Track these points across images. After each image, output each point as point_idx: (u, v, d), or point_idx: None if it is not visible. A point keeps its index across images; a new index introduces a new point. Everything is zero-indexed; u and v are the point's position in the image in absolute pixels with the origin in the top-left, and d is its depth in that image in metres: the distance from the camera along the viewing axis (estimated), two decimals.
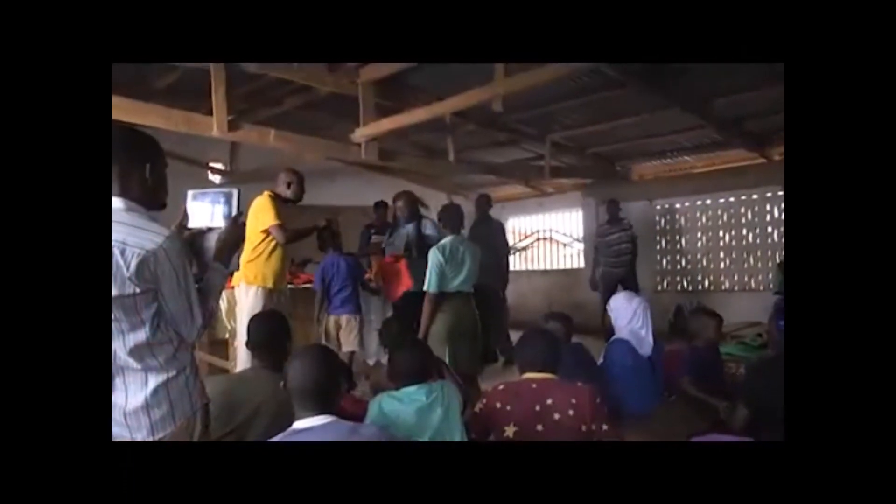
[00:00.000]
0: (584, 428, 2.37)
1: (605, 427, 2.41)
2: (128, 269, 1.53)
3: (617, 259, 7.24)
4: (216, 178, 8.16)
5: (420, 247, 4.96)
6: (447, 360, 3.82)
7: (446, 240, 4.12)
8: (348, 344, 4.92)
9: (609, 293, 6.10)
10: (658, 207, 8.61)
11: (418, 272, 4.86)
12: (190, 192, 1.89)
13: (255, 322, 2.76)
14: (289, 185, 4.20)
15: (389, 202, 7.13)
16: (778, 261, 7.30)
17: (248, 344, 2.69)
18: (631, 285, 6.93)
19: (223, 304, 5.02)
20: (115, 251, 1.53)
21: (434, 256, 4.01)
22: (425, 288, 4.03)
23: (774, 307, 2.96)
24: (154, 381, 1.62)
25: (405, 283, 5.03)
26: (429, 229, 5.04)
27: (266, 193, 4.13)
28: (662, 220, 8.64)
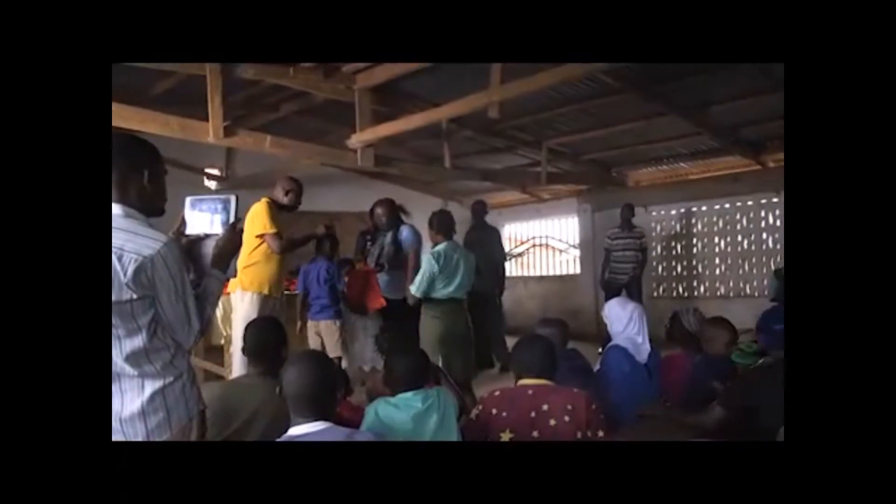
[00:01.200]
0: (579, 434, 2.37)
1: (600, 433, 2.41)
2: (125, 275, 1.53)
3: (621, 266, 7.21)
4: (212, 185, 8.16)
5: (395, 256, 5.00)
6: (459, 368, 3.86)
7: (441, 246, 4.12)
8: (332, 350, 4.90)
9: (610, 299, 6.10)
10: (654, 214, 8.63)
11: (396, 280, 4.91)
12: (188, 199, 1.89)
13: (251, 328, 2.75)
14: (286, 193, 4.20)
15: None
16: (773, 267, 7.32)
17: (244, 350, 2.69)
18: (633, 294, 6.89)
19: (219, 311, 5.01)
20: (113, 257, 1.53)
21: (428, 262, 4.02)
22: (413, 291, 4.06)
23: (761, 317, 2.90)
24: (150, 387, 1.62)
25: (376, 297, 4.99)
26: (405, 234, 5.05)
27: (264, 200, 4.13)
28: (658, 227, 8.66)
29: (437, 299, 4.07)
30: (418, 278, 4.06)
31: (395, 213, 5.15)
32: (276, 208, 4.12)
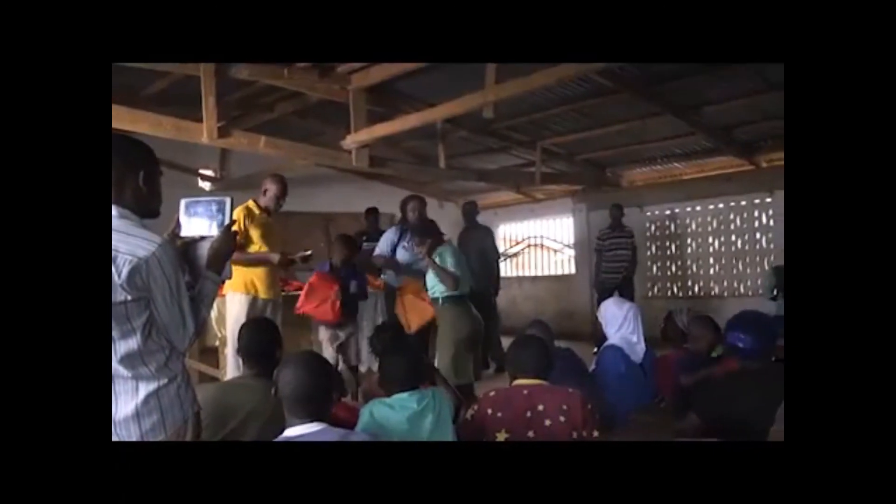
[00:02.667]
0: (575, 434, 2.38)
1: (595, 433, 2.42)
2: (119, 276, 1.52)
3: (614, 265, 7.24)
4: (206, 185, 8.15)
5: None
6: (470, 368, 3.85)
7: (446, 245, 4.19)
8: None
9: (603, 300, 6.11)
10: (648, 214, 8.65)
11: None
12: (183, 201, 1.88)
13: (245, 330, 2.75)
14: (264, 193, 4.16)
15: (380, 209, 7.10)
16: (767, 266, 7.35)
17: (238, 351, 2.69)
18: (626, 294, 6.92)
19: (213, 312, 4.99)
20: None
21: (457, 255, 4.11)
22: (456, 290, 4.07)
23: (727, 324, 2.89)
24: (145, 389, 1.61)
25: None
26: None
27: (246, 203, 4.11)
28: (652, 227, 8.69)
29: (457, 297, 4.11)
30: (462, 273, 4.11)
31: (425, 210, 4.86)
32: (256, 211, 4.09)
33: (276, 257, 4.08)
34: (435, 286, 4.12)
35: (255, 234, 4.06)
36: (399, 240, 4.85)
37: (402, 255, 4.81)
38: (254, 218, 4.07)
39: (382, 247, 4.90)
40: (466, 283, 4.20)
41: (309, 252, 4.29)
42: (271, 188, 4.13)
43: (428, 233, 4.24)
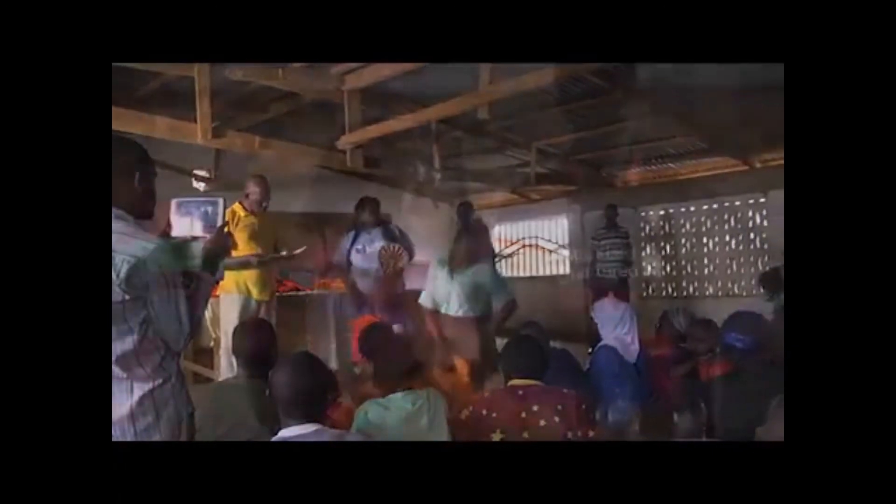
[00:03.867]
0: (569, 434, 2.38)
1: (590, 433, 2.42)
2: (118, 276, 1.53)
3: (608, 265, 7.26)
4: (200, 186, 8.11)
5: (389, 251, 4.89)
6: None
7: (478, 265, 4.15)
8: None
9: (598, 300, 6.11)
10: (643, 214, 8.66)
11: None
12: (175, 201, 1.88)
13: (239, 330, 2.75)
14: (247, 196, 4.15)
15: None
16: (761, 266, 7.36)
17: (233, 352, 2.68)
18: (621, 294, 6.92)
19: (208, 313, 4.98)
20: None
21: (495, 273, 4.10)
22: (506, 299, 4.02)
23: (724, 323, 2.88)
24: (139, 389, 1.61)
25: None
26: (397, 231, 4.98)
27: (232, 206, 4.10)
28: (647, 227, 8.70)
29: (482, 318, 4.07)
30: (503, 283, 4.11)
31: (379, 211, 5.04)
32: (241, 213, 4.09)
33: (254, 260, 4.02)
34: (464, 304, 3.94)
35: (241, 236, 4.06)
36: (352, 244, 4.90)
37: (355, 258, 4.84)
38: (239, 221, 4.06)
39: (342, 253, 4.94)
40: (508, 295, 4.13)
41: (284, 252, 4.21)
42: (254, 190, 4.14)
43: (475, 240, 4.18)
